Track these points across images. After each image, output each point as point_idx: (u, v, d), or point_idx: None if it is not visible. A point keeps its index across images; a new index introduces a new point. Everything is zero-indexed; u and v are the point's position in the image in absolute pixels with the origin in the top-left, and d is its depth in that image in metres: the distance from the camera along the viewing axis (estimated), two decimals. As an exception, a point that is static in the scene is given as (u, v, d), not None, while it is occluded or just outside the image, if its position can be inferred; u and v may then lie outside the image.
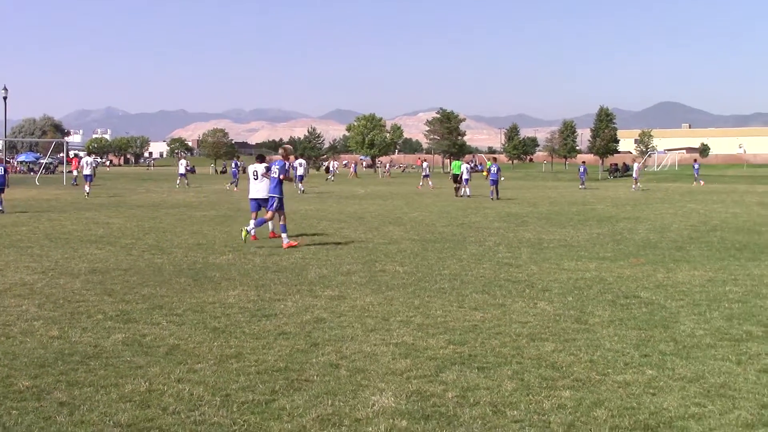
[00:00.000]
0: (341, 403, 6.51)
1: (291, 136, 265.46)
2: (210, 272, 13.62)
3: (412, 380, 7.18)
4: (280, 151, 19.35)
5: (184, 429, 5.89)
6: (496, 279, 13.10)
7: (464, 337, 8.83)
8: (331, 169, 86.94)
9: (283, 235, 17.67)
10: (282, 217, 17.95)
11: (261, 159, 20.01)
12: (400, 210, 30.73)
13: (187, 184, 55.19)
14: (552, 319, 9.91)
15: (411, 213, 28.93)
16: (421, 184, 55.19)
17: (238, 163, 59.17)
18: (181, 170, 57.60)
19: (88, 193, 40.40)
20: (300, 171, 49.31)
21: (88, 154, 55.35)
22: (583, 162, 64.69)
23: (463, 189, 43.47)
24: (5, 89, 77.24)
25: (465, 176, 44.22)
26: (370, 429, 5.94)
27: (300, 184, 47.90)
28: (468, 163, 49.39)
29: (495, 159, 47.14)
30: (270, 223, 19.22)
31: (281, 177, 18.11)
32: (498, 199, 39.20)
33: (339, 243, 18.31)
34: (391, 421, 6.12)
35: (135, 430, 5.88)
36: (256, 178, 19.36)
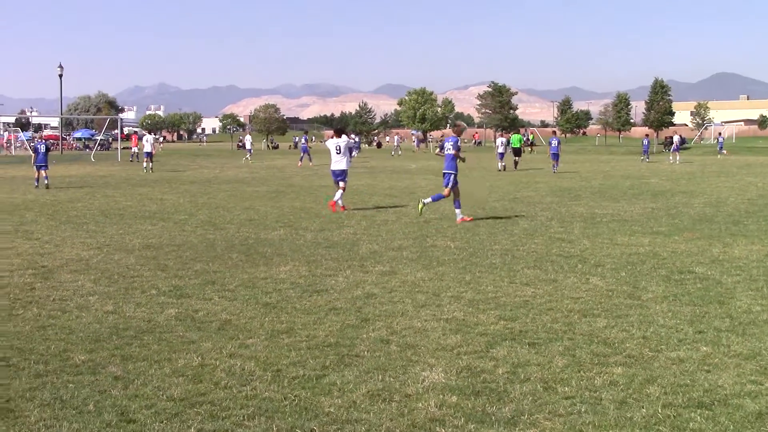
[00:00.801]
0: (391, 379, 6.52)
1: (342, 111, 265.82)
2: (262, 248, 13.70)
3: (462, 356, 7.16)
4: (454, 128, 19.88)
5: (236, 403, 5.94)
6: (547, 254, 13.00)
7: (515, 313, 8.78)
8: (396, 143, 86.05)
9: (457, 211, 17.99)
10: (457, 193, 18.29)
11: (340, 133, 21.44)
12: (452, 185, 30.55)
13: (251, 160, 56.14)
14: (604, 294, 9.81)
15: (462, 188, 28.74)
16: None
17: (307, 138, 58.43)
18: (248, 145, 58.99)
19: (149, 168, 42.07)
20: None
21: (150, 132, 56.88)
22: (647, 135, 64.81)
23: (499, 163, 43.65)
24: (61, 67, 78.35)
25: (500, 150, 44.73)
26: (420, 405, 5.94)
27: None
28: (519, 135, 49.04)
29: (555, 132, 47.15)
30: (336, 194, 20.25)
31: (455, 153, 18.49)
32: (555, 172, 39.41)
33: (390, 218, 18.30)
34: (441, 396, 6.11)
35: (187, 404, 5.94)
36: (338, 152, 20.69)
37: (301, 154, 50.99)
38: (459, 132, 19.22)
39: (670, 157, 56.15)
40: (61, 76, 78.73)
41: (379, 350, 7.35)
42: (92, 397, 6.07)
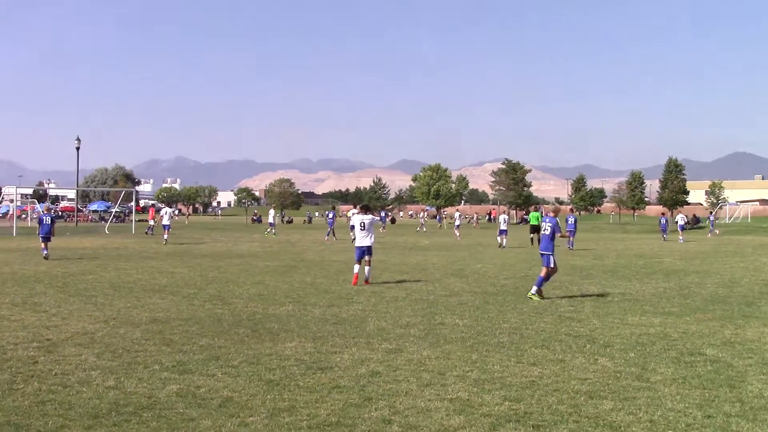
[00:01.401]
0: (391, 461, 6.40)
1: (357, 187, 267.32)
2: (269, 323, 13.63)
3: (465, 438, 7.03)
4: (552, 207, 19.98)
5: (231, 484, 5.83)
6: (556, 333, 12.88)
7: (521, 394, 8.66)
8: (421, 221, 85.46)
9: (536, 287, 18.06)
10: (547, 273, 18.36)
11: (366, 209, 21.90)
12: (463, 262, 30.54)
13: (274, 233, 57.21)
14: (612, 375, 9.67)
15: (474, 265, 28.72)
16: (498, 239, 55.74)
17: (334, 213, 58.20)
18: (271, 219, 59.62)
19: (166, 240, 43.26)
20: (354, 221, 49.39)
21: (168, 205, 58.64)
22: (662, 213, 65.24)
23: (501, 239, 43.99)
24: (78, 140, 79.28)
25: (502, 227, 45.10)
26: (419, 488, 5.81)
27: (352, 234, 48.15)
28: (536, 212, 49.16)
29: (572, 210, 47.52)
30: (366, 269, 20.79)
31: (554, 234, 18.67)
32: (572, 249, 40.04)
33: (400, 295, 18.22)
34: (441, 480, 5.99)
35: (182, 484, 5.84)
36: (363, 228, 21.07)
37: (329, 229, 51.44)
38: (556, 213, 19.34)
39: (679, 236, 56.38)
40: (78, 148, 79.60)
41: (380, 431, 7.23)
42: (86, 476, 5.98)
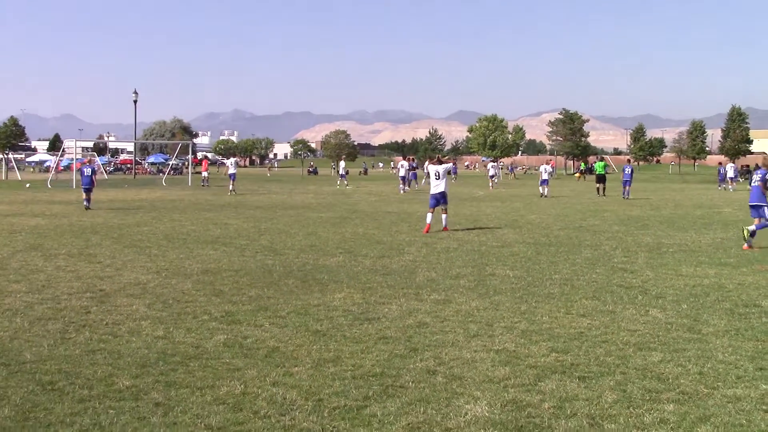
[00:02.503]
0: (434, 411, 6.38)
1: (414, 138, 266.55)
2: (319, 274, 13.68)
3: (509, 389, 6.99)
4: (762, 160, 19.82)
5: (273, 433, 5.87)
6: (608, 284, 12.72)
7: (568, 345, 8.57)
8: (494, 171, 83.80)
9: (752, 238, 18.08)
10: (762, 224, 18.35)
11: (439, 161, 23.38)
12: (518, 212, 30.33)
13: (347, 185, 57.69)
14: (663, 327, 9.52)
15: (528, 215, 28.50)
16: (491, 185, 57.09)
17: (414, 164, 58.34)
18: (341, 171, 59.97)
19: (232, 191, 44.93)
20: (401, 172, 51.10)
21: (234, 155, 60.22)
22: (720, 163, 64.91)
23: (543, 189, 44.73)
24: (135, 93, 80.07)
25: (544, 176, 45.62)
26: (460, 439, 5.79)
27: (404, 186, 50.01)
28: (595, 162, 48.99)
29: (629, 160, 47.42)
30: (444, 217, 22.10)
31: (761, 184, 18.50)
32: (628, 198, 40.49)
33: (451, 246, 18.14)
34: (483, 431, 5.96)
35: (224, 433, 5.89)
36: (438, 177, 22.34)
37: (409, 180, 52.70)
38: (766, 164, 19.09)
39: (729, 186, 55.98)
40: (135, 102, 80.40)
41: (424, 381, 7.21)
42: (131, 424, 6.06)
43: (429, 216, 21.99)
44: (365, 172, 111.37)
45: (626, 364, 7.80)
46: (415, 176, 56.69)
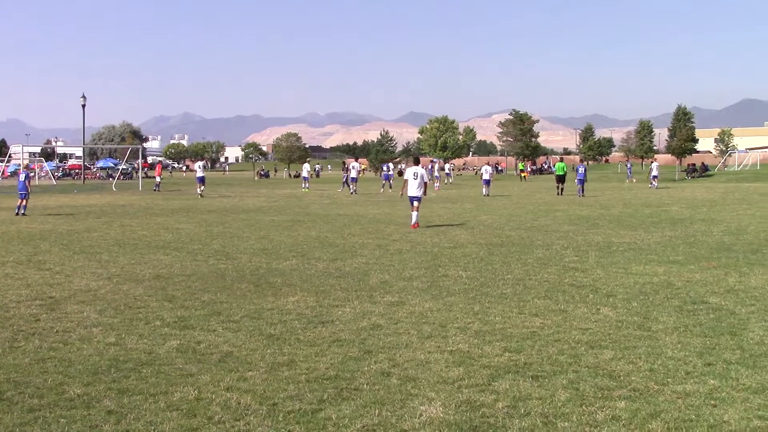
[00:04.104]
0: (388, 413, 6.40)
1: (365, 140, 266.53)
2: (272, 278, 13.63)
3: (463, 389, 7.02)
4: None
5: (227, 439, 5.84)
6: (560, 284, 12.85)
7: (521, 345, 8.64)
8: (446, 171, 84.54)
9: None
10: None
11: (417, 162, 24.86)
12: (470, 213, 30.49)
13: (307, 188, 57.41)
14: (614, 325, 9.64)
15: (480, 216, 28.66)
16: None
17: (390, 166, 61.79)
18: (305, 174, 60.43)
19: (200, 194, 45.44)
20: (353, 174, 52.33)
21: (201, 159, 60.21)
22: (627, 159, 70.49)
23: (485, 188, 46.77)
24: (84, 97, 79.09)
25: (485, 177, 47.96)
26: (415, 440, 5.81)
27: (353, 186, 51.06)
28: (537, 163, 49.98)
29: (582, 160, 49.02)
30: (413, 215, 23.17)
31: None
32: (582, 196, 42.55)
33: (404, 248, 18.18)
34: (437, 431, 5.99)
35: (178, 439, 5.85)
36: (416, 178, 23.47)
37: (383, 182, 56.33)
38: None
39: (650, 184, 58.95)
40: (84, 106, 79.46)
41: (379, 383, 7.23)
42: (83, 432, 5.99)
43: (414, 215, 23.32)
44: (317, 175, 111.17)
45: (578, 363, 7.89)
46: (387, 177, 58.15)
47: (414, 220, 23.25)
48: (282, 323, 9.87)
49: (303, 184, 59.40)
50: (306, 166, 62.89)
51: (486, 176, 48.21)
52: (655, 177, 58.75)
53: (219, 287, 12.64)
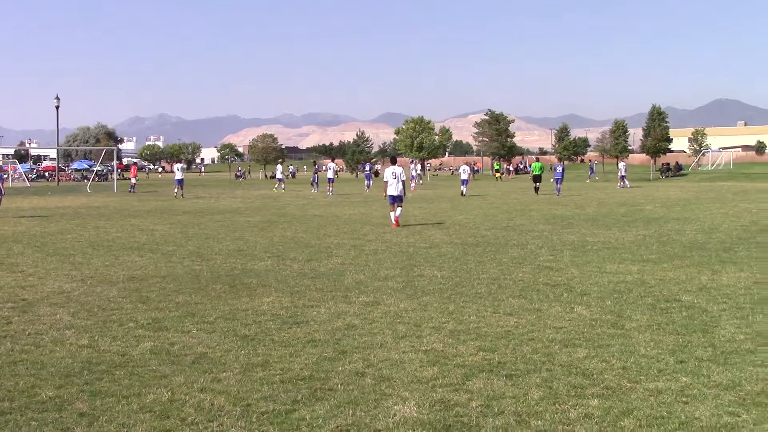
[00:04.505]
0: (362, 413, 6.40)
1: (341, 140, 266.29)
2: (247, 279, 13.60)
3: (437, 389, 7.04)
4: None
5: (201, 440, 5.82)
6: (534, 283, 12.90)
7: (495, 344, 8.67)
8: (417, 172, 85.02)
9: None
10: None
11: (394, 161, 25.24)
12: (445, 213, 30.57)
13: (283, 188, 58.40)
14: (588, 324, 9.69)
15: (455, 216, 28.74)
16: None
17: (370, 166, 64.27)
18: (278, 175, 61.10)
19: (181, 195, 45.82)
20: (330, 174, 52.71)
21: (179, 161, 60.61)
22: (590, 159, 72.84)
23: (463, 188, 47.44)
24: (57, 98, 78.53)
25: (463, 176, 48.94)
26: (389, 440, 5.82)
27: (330, 187, 51.54)
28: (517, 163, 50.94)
29: (560, 160, 50.56)
30: (397, 211, 23.83)
31: None
32: (560, 195, 43.65)
33: (380, 248, 18.19)
34: (411, 431, 5.99)
35: (151, 441, 5.82)
36: (395, 178, 24.04)
37: (366, 181, 58.11)
38: None
39: (619, 184, 59.92)
40: (57, 107, 78.89)
41: (353, 383, 7.22)
42: (54, 435, 5.95)
43: (392, 213, 23.96)
44: (293, 176, 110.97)
45: (552, 361, 7.92)
46: (369, 177, 60.62)
47: (397, 214, 23.83)
48: (256, 324, 9.85)
49: (276, 185, 59.67)
50: (279, 167, 63.00)
51: (464, 176, 49.14)
52: (623, 177, 59.67)
53: (193, 288, 12.59)
